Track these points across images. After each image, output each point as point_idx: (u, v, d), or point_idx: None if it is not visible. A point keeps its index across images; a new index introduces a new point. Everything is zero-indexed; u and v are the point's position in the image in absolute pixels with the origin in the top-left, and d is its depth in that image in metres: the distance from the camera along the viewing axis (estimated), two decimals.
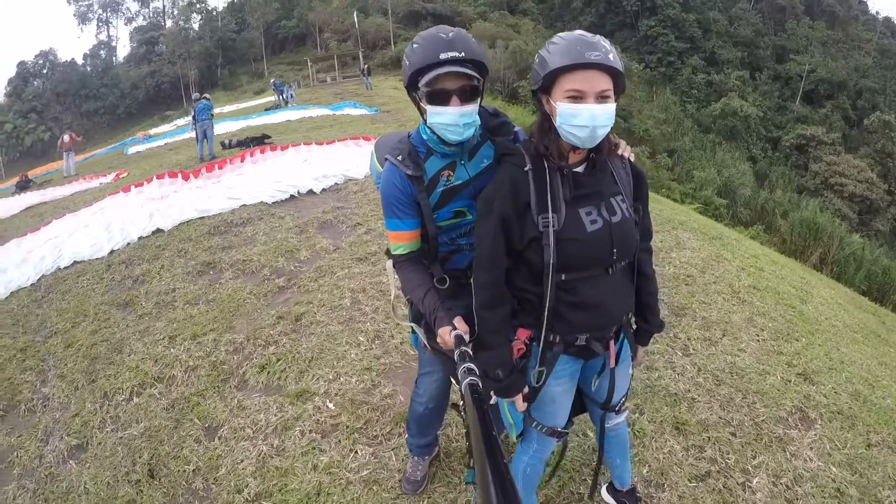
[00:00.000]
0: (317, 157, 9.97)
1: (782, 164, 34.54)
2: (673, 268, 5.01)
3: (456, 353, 1.52)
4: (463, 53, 1.61)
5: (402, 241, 1.83)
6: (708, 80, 40.71)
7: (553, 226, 1.54)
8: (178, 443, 3.19)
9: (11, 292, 6.25)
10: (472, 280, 1.80)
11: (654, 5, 44.34)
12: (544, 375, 1.72)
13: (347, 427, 3.08)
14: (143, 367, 4.04)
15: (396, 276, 2.03)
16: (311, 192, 7.99)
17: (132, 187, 9.74)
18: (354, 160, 9.11)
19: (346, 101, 22.41)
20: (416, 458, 2.60)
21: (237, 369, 3.86)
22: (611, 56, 1.41)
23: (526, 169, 1.58)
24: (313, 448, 2.96)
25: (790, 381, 3.44)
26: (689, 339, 3.86)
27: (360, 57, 40.19)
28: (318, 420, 3.17)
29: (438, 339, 1.69)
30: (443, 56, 1.59)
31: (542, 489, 2.52)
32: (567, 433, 1.90)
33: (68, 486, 3.05)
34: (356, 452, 2.89)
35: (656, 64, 42.05)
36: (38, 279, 6.42)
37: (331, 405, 3.28)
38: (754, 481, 2.65)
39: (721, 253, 5.59)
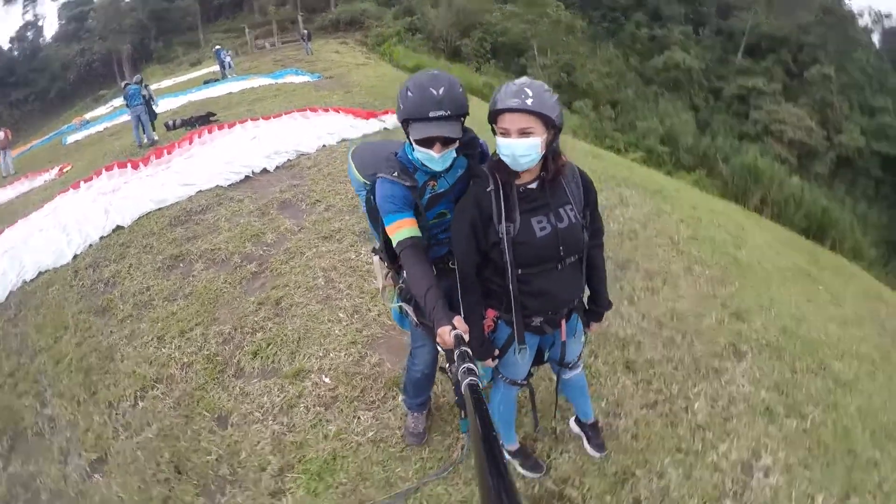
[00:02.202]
0: (265, 132, 9.95)
1: (724, 112, 35.31)
2: (617, 224, 5.41)
3: (455, 352, 1.73)
4: (449, 112, 1.95)
5: (404, 226, 2.11)
6: (651, 34, 40.71)
7: (510, 233, 1.98)
8: (193, 437, 3.48)
9: None
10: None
11: None
12: (510, 343, 2.22)
13: (346, 397, 3.47)
14: (140, 370, 4.24)
15: (382, 267, 2.50)
16: (264, 170, 8.06)
17: (81, 183, 9.55)
18: (305, 133, 9.16)
19: (288, 68, 21.82)
20: (415, 413, 3.08)
21: (231, 359, 4.13)
22: (528, 102, 1.81)
23: (488, 189, 2.01)
24: (320, 420, 3.34)
25: (724, 321, 3.99)
26: (633, 289, 4.36)
27: (300, 21, 38.59)
28: (318, 395, 3.54)
29: (438, 339, 1.92)
30: (431, 114, 1.94)
31: (520, 427, 3.00)
32: (526, 383, 2.43)
33: (101, 499, 3.27)
34: (359, 418, 3.31)
35: (600, 19, 41.83)
36: (6, 297, 6.37)
37: (327, 379, 3.65)
38: (695, 405, 3.23)
39: (662, 207, 6.02)
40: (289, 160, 8.37)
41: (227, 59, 24.15)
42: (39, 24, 66.44)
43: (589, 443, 2.91)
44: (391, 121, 9.90)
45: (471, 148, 2.25)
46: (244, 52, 37.41)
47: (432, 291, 2.00)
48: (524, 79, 1.90)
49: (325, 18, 41.68)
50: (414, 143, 2.04)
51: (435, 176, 2.19)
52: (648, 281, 4.42)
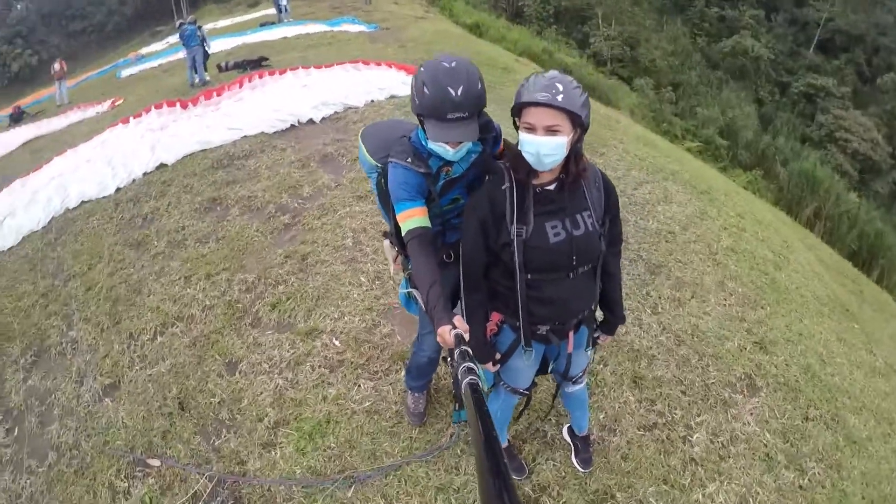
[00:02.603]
0: (316, 81, 9.95)
1: (789, 110, 33.28)
2: (656, 223, 5.18)
3: (455, 352, 1.69)
4: (467, 113, 1.89)
5: (414, 216, 2.07)
6: (721, 14, 38.42)
7: (521, 235, 1.90)
8: (202, 378, 3.65)
9: (23, 237, 6.58)
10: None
11: None
12: (513, 350, 2.16)
13: (352, 363, 3.53)
14: (163, 307, 4.43)
15: (392, 251, 2.48)
16: (311, 121, 8.10)
17: (131, 118, 9.83)
18: (354, 87, 9.10)
19: (345, 16, 21.64)
20: (416, 394, 3.11)
21: (250, 308, 4.25)
22: (559, 98, 1.70)
23: (503, 187, 1.93)
24: (322, 381, 3.42)
25: (745, 349, 3.78)
26: (659, 297, 4.18)
27: None
28: (326, 356, 3.61)
29: (438, 338, 1.88)
30: (450, 116, 1.88)
31: (512, 426, 2.99)
32: (527, 392, 2.38)
33: (107, 422, 3.54)
34: (359, 386, 3.37)
35: None
36: (49, 221, 6.71)
37: (337, 343, 3.71)
38: (694, 436, 3.09)
39: (707, 209, 5.71)
40: (336, 112, 8.37)
41: (284, 2, 24.19)
42: None
43: (576, 455, 2.88)
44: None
45: (485, 131, 2.16)
46: None
47: (435, 288, 1.96)
48: (553, 72, 1.80)
49: None
50: (430, 137, 1.98)
51: (449, 162, 2.14)
52: (677, 291, 4.24)
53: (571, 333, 2.16)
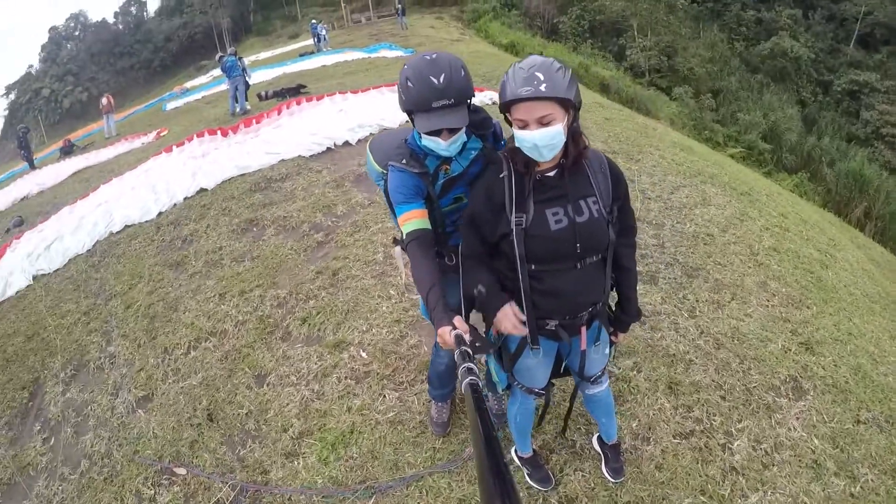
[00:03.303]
0: (352, 106, 10.27)
1: (832, 109, 32.19)
2: (694, 226, 5.07)
3: (455, 352, 1.68)
4: (452, 100, 1.90)
5: (413, 218, 2.09)
6: (758, 17, 37.84)
7: (521, 224, 1.86)
8: (231, 390, 3.75)
9: (69, 259, 6.97)
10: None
11: None
12: (523, 347, 2.10)
13: (378, 374, 3.56)
14: (198, 323, 4.60)
15: (403, 257, 2.49)
16: (346, 143, 8.34)
17: (174, 147, 10.33)
18: (389, 108, 9.35)
19: (382, 42, 22.39)
20: (440, 403, 3.11)
21: (281, 322, 4.36)
22: (542, 87, 1.67)
23: (501, 176, 1.91)
24: (348, 392, 3.47)
25: (790, 350, 3.59)
26: (697, 300, 4.04)
27: None
28: (352, 368, 3.66)
29: (438, 339, 1.86)
30: (434, 105, 1.89)
31: (539, 434, 2.94)
32: (544, 392, 2.30)
33: (139, 432, 3.68)
34: (384, 396, 3.39)
35: None
36: (94, 245, 7.09)
37: (364, 354, 3.76)
38: (735, 444, 2.92)
39: (747, 211, 5.56)
40: (371, 134, 8.60)
41: (323, 32, 25.15)
42: None
43: (606, 465, 2.76)
44: (479, 98, 9.94)
45: (484, 128, 2.19)
46: (340, 26, 38.87)
47: (434, 290, 1.97)
48: (532, 58, 1.76)
49: None
50: (422, 133, 2.00)
51: (448, 159, 2.15)
52: (716, 293, 4.11)
53: (584, 329, 2.08)
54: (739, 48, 36.65)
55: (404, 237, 2.10)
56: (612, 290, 2.14)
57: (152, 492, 3.15)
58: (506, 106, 1.78)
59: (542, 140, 1.73)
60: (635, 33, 33.52)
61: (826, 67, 35.69)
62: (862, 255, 5.76)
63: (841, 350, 3.67)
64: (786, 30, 35.97)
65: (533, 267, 1.91)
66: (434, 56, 1.94)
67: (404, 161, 2.10)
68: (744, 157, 20.70)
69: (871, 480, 2.79)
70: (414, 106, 1.94)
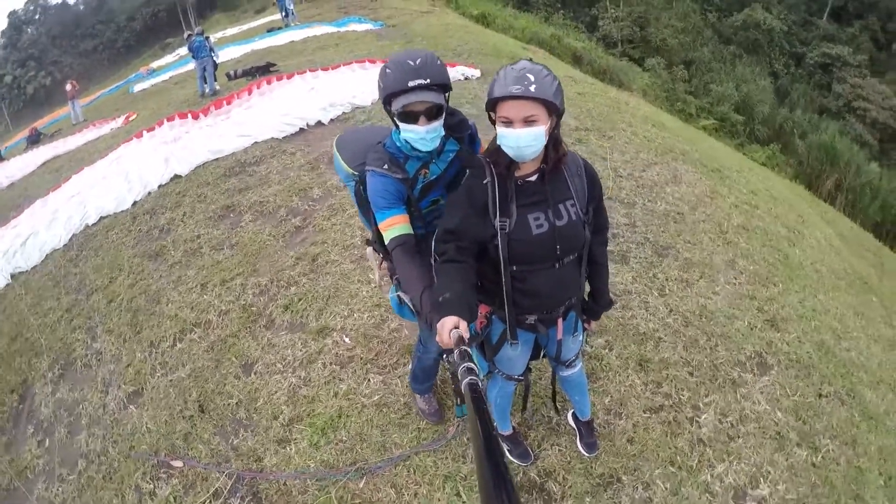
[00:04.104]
0: (323, 83, 10.17)
1: (805, 82, 32.52)
2: (665, 204, 5.16)
3: (455, 352, 1.69)
4: (429, 80, 1.96)
5: (396, 224, 2.14)
6: None
7: (505, 229, 1.94)
8: (220, 380, 3.83)
9: (46, 255, 6.89)
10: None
11: None
12: (504, 339, 2.22)
13: (361, 359, 3.68)
14: (182, 314, 4.64)
15: (376, 258, 2.62)
16: (319, 123, 8.29)
17: (144, 132, 10.14)
18: (361, 86, 9.30)
19: (351, 15, 21.89)
20: (427, 395, 3.22)
21: (264, 310, 4.42)
22: (532, 88, 1.73)
23: (485, 182, 1.96)
24: (334, 378, 3.58)
25: (756, 327, 3.76)
26: (666, 279, 4.19)
27: None
28: (336, 353, 3.77)
29: (437, 338, 1.85)
30: (411, 84, 1.94)
31: (518, 412, 3.05)
32: (522, 378, 2.46)
33: (132, 428, 3.75)
34: (369, 380, 3.51)
35: None
36: (70, 238, 7.00)
37: (347, 339, 3.87)
38: (702, 417, 3.11)
39: (717, 188, 5.67)
40: (344, 113, 8.57)
41: (291, 6, 24.48)
42: None
43: (581, 440, 2.93)
44: (451, 73, 9.89)
45: (460, 130, 2.23)
46: None
47: (427, 293, 2.00)
48: (523, 62, 1.83)
49: None
50: (398, 123, 2.05)
51: (426, 163, 2.19)
52: (685, 272, 4.24)
53: (560, 321, 2.21)
54: (712, 19, 36.71)
55: (388, 243, 2.15)
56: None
57: (151, 486, 3.23)
58: (493, 103, 1.84)
59: (525, 139, 1.80)
60: (607, 3, 33.26)
61: (799, 40, 35.94)
62: (830, 231, 5.95)
63: (805, 326, 3.85)
64: (758, 1, 35.95)
65: (514, 268, 2.01)
66: (412, 49, 2.06)
67: (385, 167, 2.12)
68: (716, 129, 21.00)
69: (832, 451, 2.99)
70: (391, 89, 1.98)
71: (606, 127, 7.15)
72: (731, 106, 25.20)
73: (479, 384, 1.44)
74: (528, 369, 2.48)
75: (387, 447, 3.07)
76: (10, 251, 7.27)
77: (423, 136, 2.04)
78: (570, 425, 3.04)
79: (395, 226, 2.14)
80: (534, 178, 1.98)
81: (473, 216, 1.97)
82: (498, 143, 1.88)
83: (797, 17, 37.34)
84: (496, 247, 1.95)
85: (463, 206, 1.99)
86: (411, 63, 1.96)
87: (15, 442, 4.17)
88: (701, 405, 3.18)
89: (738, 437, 3.03)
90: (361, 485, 2.91)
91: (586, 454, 2.90)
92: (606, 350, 3.53)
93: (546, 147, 1.89)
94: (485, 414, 1.23)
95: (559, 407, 3.01)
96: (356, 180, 2.33)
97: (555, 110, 1.82)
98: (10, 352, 5.21)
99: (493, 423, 1.28)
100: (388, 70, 2.00)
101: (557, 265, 2.03)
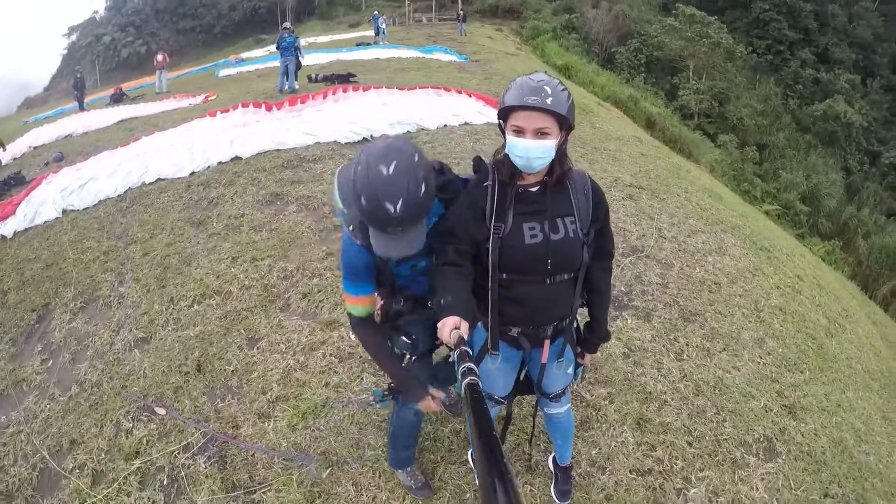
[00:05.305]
0: (396, 101, 10.48)
1: (877, 181, 31.65)
2: (703, 272, 5.04)
3: (455, 352, 1.68)
4: (409, 224, 1.77)
5: (359, 304, 2.07)
6: (816, 77, 37.08)
7: (499, 233, 1.93)
8: (224, 347, 3.97)
9: (100, 200, 7.27)
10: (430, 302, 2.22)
11: None
12: (486, 350, 2.16)
13: (360, 357, 3.74)
14: (206, 280, 4.83)
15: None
16: (383, 136, 8.51)
17: (218, 112, 10.65)
18: (431, 110, 9.55)
19: (438, 44, 22.60)
20: (409, 468, 2.87)
21: (284, 293, 4.56)
22: (549, 101, 1.75)
23: (486, 184, 1.97)
24: (329, 369, 3.66)
25: (772, 410, 3.54)
26: (687, 344, 4.03)
27: (459, 1, 39.87)
28: (338, 347, 3.85)
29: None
30: (390, 230, 1.77)
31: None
32: (504, 402, 2.36)
33: (130, 370, 3.93)
34: (362, 379, 3.57)
35: (764, 51, 38.63)
36: (125, 191, 7.37)
37: (353, 337, 3.91)
38: (691, 491, 2.90)
39: (762, 266, 5.51)
40: (409, 131, 8.79)
41: (383, 25, 25.44)
42: None
43: (555, 486, 2.84)
44: None
45: (447, 192, 2.05)
46: (401, 22, 39.51)
47: (397, 369, 2.11)
48: (541, 75, 1.84)
49: (485, 2, 42.49)
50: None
51: None
52: (708, 341, 4.11)
53: (547, 342, 2.14)
54: (793, 105, 36.21)
55: (349, 315, 2.11)
56: (582, 307, 2.20)
57: (131, 425, 3.36)
58: (507, 111, 1.84)
59: (535, 151, 1.81)
60: (690, 74, 33.44)
61: (877, 138, 35.17)
62: (874, 331, 5.69)
63: (825, 420, 3.62)
64: (842, 94, 35.48)
65: (504, 276, 1.98)
66: (391, 170, 1.66)
67: (352, 228, 1.93)
68: (779, 216, 20.50)
69: None
70: (365, 219, 1.77)
71: (661, 189, 7.11)
72: (798, 195, 24.56)
73: (479, 384, 1.42)
74: (513, 395, 2.40)
75: (360, 446, 3.10)
76: (68, 189, 7.68)
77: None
78: (548, 468, 2.94)
79: (357, 306, 2.07)
80: (535, 188, 1.97)
81: (471, 218, 1.97)
82: (506, 151, 1.89)
83: (878, 115, 36.60)
84: (488, 250, 1.95)
85: (463, 208, 2.01)
86: (391, 209, 1.69)
87: (21, 355, 4.40)
88: (693, 478, 2.99)
89: None
90: (325, 475, 2.94)
91: (557, 502, 2.81)
92: (606, 402, 3.42)
93: (552, 161, 1.89)
94: (485, 414, 1.21)
95: (534, 443, 2.98)
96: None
97: (566, 125, 1.84)
98: (42, 276, 5.50)
99: (493, 424, 1.26)
100: (362, 200, 1.69)
101: (548, 280, 2.00)
